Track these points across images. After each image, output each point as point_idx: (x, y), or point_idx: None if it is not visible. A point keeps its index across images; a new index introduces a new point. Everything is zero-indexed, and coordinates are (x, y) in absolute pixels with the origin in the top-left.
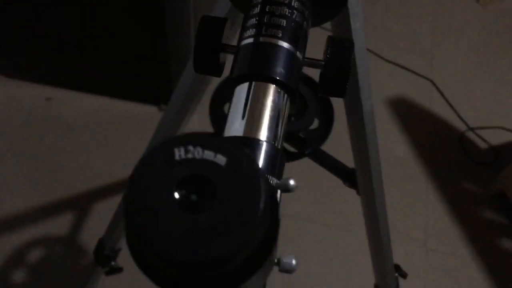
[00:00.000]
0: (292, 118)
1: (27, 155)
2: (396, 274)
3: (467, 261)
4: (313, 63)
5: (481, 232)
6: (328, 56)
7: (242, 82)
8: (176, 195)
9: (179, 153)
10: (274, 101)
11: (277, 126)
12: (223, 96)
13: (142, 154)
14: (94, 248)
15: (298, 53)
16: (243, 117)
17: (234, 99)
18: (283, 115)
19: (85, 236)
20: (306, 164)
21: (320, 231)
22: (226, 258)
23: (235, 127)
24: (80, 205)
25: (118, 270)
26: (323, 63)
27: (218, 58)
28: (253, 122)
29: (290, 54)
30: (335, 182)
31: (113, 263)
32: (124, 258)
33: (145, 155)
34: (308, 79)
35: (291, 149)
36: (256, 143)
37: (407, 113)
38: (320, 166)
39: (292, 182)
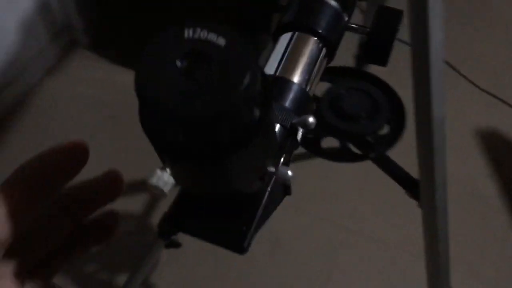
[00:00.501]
0: (362, 121)
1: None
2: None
3: None
4: (358, 29)
5: None
6: (375, 22)
7: (286, 31)
8: (179, 63)
9: (188, 32)
10: (311, 51)
11: (309, 73)
12: None
13: None
14: (159, 220)
15: (344, 14)
16: (280, 61)
17: (277, 45)
18: (318, 66)
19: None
20: (363, 171)
21: (375, 248)
22: (211, 115)
23: (272, 69)
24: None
25: (177, 245)
26: (368, 29)
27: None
28: (288, 65)
29: (336, 12)
30: (398, 194)
31: (173, 237)
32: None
33: (161, 32)
34: (383, 84)
35: (356, 150)
36: (287, 82)
37: (499, 148)
38: (383, 172)
39: (311, 119)
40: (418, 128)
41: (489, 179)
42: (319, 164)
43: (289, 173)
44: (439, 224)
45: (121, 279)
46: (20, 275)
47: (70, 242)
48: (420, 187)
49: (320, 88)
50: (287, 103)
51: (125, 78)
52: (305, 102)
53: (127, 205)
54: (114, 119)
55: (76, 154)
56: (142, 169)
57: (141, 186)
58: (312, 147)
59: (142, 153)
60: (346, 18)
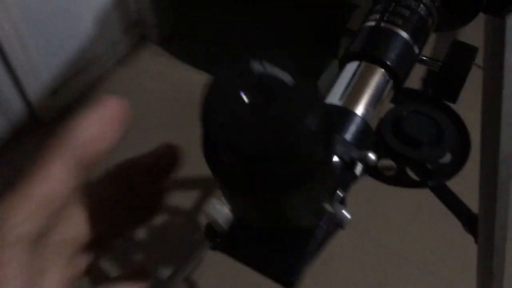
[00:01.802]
0: (424, 147)
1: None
2: None
3: None
4: (430, 62)
5: None
6: (448, 57)
7: (353, 59)
8: (246, 97)
9: (255, 65)
10: (378, 83)
11: (374, 107)
12: None
13: None
14: (207, 222)
15: (415, 47)
16: (345, 90)
17: (343, 73)
18: (382, 98)
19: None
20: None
21: (424, 278)
22: (277, 151)
23: (336, 97)
24: (203, 181)
25: None
26: (440, 63)
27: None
28: (352, 96)
29: (406, 44)
30: (455, 226)
31: (219, 239)
32: None
33: (226, 63)
34: (449, 111)
35: (414, 176)
36: (349, 114)
37: None
38: (441, 202)
39: (372, 155)
40: (483, 161)
41: None
42: (374, 186)
43: (348, 216)
44: (494, 263)
45: (164, 272)
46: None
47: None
48: (479, 223)
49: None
50: (348, 136)
51: (191, 75)
52: (367, 136)
53: (180, 199)
54: (176, 115)
55: (169, 159)
56: (199, 166)
57: (195, 182)
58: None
59: (200, 151)
60: (417, 51)
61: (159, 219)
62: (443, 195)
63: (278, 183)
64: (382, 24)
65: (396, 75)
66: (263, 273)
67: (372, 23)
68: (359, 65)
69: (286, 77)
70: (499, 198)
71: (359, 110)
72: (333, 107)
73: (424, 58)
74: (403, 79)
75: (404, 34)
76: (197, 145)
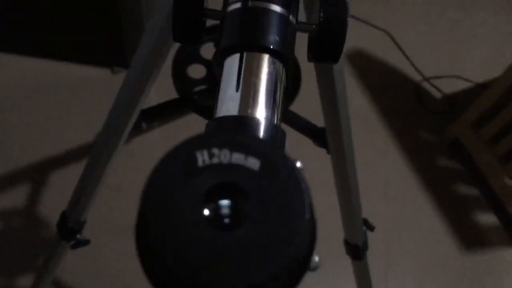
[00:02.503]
0: None
1: None
2: (364, 228)
3: (427, 209)
4: (305, 28)
5: (438, 180)
6: (321, 18)
7: (232, 53)
8: (205, 211)
9: (202, 158)
10: (270, 74)
11: (274, 102)
12: (186, 58)
13: (103, 122)
14: (57, 221)
15: (291, 17)
16: (236, 93)
17: (225, 72)
18: (280, 88)
19: (45, 208)
20: None
21: None
22: (271, 280)
23: (229, 105)
24: (36, 176)
25: (85, 242)
26: (314, 26)
27: (200, 26)
28: (249, 99)
29: (283, 19)
30: (303, 140)
31: (78, 236)
32: (91, 229)
33: (160, 162)
34: None
35: None
36: (254, 122)
37: (364, 66)
38: (289, 126)
39: (298, 163)
40: (321, 80)
41: (360, 96)
42: None
43: (316, 259)
44: (348, 166)
45: (21, 282)
46: None
47: None
48: (328, 135)
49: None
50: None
51: None
52: (281, 139)
53: (8, 200)
54: None
55: None
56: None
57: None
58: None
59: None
60: (294, 21)
61: None
62: (289, 120)
63: None
64: (250, 3)
65: (284, 57)
66: None
67: (238, 4)
68: (241, 59)
69: (252, 162)
70: (340, 106)
71: (261, 113)
72: (231, 119)
73: (302, 23)
74: (291, 57)
75: (278, 9)
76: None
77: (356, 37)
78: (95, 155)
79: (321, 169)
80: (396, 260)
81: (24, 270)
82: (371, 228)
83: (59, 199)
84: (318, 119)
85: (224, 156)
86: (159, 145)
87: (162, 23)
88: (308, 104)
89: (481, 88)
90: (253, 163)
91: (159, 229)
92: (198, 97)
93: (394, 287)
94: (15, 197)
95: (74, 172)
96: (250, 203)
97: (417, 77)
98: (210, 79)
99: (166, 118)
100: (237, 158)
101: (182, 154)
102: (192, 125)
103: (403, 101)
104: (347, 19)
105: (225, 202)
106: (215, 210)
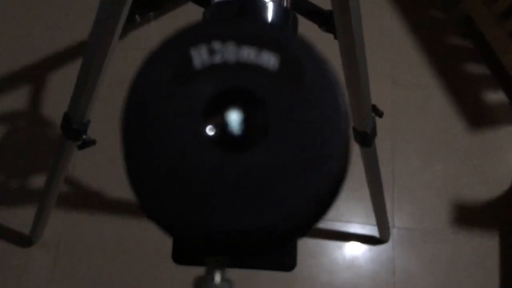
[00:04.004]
0: None
1: None
2: (373, 114)
3: (434, 90)
4: None
5: (447, 59)
6: None
7: None
8: (207, 129)
9: (200, 56)
10: None
11: None
12: None
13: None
14: (60, 123)
15: None
16: None
17: None
18: None
19: (47, 108)
20: None
21: None
22: (295, 223)
23: None
24: (34, 76)
25: (91, 142)
26: None
27: None
28: None
29: None
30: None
31: (84, 136)
32: (96, 129)
33: (144, 65)
34: None
35: None
36: (261, 5)
37: None
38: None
39: None
40: None
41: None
42: None
43: None
44: (357, 52)
45: (35, 181)
46: None
47: None
48: (335, 19)
49: None
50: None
51: None
52: (293, 22)
53: (9, 103)
54: None
55: None
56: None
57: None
58: None
59: None
60: None
61: None
62: (293, 4)
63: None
64: None
65: None
66: (264, 268)
67: None
68: None
69: (270, 61)
70: None
71: None
72: (234, 2)
73: None
74: None
75: None
76: None
77: None
78: (90, 52)
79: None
80: (402, 142)
81: (36, 171)
82: (380, 114)
83: (60, 99)
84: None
85: (229, 52)
86: (156, 38)
87: None
88: None
89: None
90: (269, 59)
91: (149, 157)
92: None
93: (400, 168)
94: (15, 100)
95: (71, 71)
96: (267, 116)
97: None
98: None
99: (161, 8)
100: (248, 53)
101: (173, 52)
102: (190, 15)
103: None
104: None
105: (233, 115)
106: (221, 126)
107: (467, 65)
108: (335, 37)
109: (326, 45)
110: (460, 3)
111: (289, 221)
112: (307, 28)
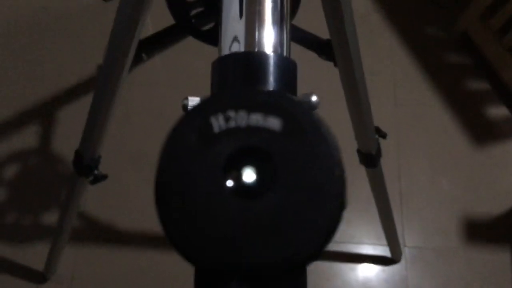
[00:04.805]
0: None
1: None
2: (377, 136)
3: (437, 108)
4: None
5: (447, 77)
6: None
7: None
8: (227, 181)
9: (217, 123)
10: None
11: (282, 30)
12: None
13: (101, 61)
14: (72, 160)
15: None
16: (240, 24)
17: (225, 1)
18: (287, 15)
19: (58, 145)
20: None
21: None
22: (308, 253)
23: (233, 39)
24: (43, 114)
25: (103, 177)
26: None
27: None
28: (254, 30)
29: None
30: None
31: (96, 171)
32: (107, 164)
33: (174, 131)
34: None
35: None
36: (263, 59)
37: None
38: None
39: (314, 97)
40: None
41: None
42: None
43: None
44: (357, 77)
45: (47, 217)
46: None
47: None
48: (334, 48)
49: None
50: (276, 85)
51: None
52: (293, 72)
53: (20, 141)
54: None
55: None
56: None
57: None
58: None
59: None
60: None
61: (11, 171)
62: (293, 34)
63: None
64: None
65: None
66: None
67: None
68: None
69: (274, 123)
70: (345, 16)
71: (269, 46)
72: (239, 57)
73: None
74: None
75: None
76: None
77: None
78: (100, 90)
79: (330, 81)
80: (408, 161)
81: (48, 207)
82: (384, 135)
83: (70, 135)
84: (320, 29)
85: (241, 118)
86: (160, 71)
87: None
88: (309, 13)
89: None
90: (274, 122)
91: (180, 206)
92: (196, 21)
93: (407, 187)
94: (26, 137)
95: (80, 108)
96: (275, 167)
97: None
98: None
99: (166, 45)
100: (256, 119)
101: (197, 120)
102: (190, 46)
103: None
104: None
105: (248, 169)
106: (238, 178)
107: (467, 82)
108: (335, 65)
109: (326, 72)
110: (457, 20)
111: (301, 253)
112: (309, 56)
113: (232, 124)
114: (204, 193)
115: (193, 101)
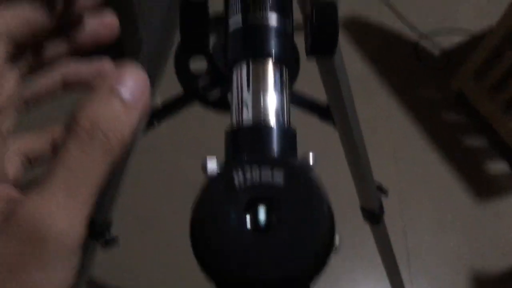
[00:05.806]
0: None
1: None
2: (378, 193)
3: (437, 165)
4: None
5: (445, 135)
6: (313, 16)
7: (240, 60)
8: (247, 220)
9: (238, 178)
10: (275, 78)
11: (283, 100)
12: (188, 50)
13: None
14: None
15: (287, 24)
16: (248, 102)
17: (234, 81)
18: (286, 90)
19: None
20: None
21: None
22: (301, 273)
23: (243, 113)
24: None
25: (114, 240)
26: (308, 23)
27: (205, 38)
28: (260, 107)
29: (280, 29)
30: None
31: (107, 236)
32: (117, 227)
33: (207, 185)
34: None
35: None
36: (267, 131)
37: (359, 30)
38: (293, 106)
39: (311, 157)
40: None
41: (359, 61)
42: None
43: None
44: (356, 138)
45: None
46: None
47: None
48: (332, 111)
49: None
50: (281, 153)
51: None
52: (294, 139)
53: None
54: None
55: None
56: None
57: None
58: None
59: None
60: (291, 29)
61: None
62: (294, 99)
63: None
64: (250, 22)
65: (287, 60)
66: None
67: (239, 24)
68: (248, 67)
69: (278, 178)
70: (341, 82)
71: (272, 120)
72: (248, 131)
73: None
74: (293, 59)
75: (273, 22)
76: None
77: (347, 2)
78: None
79: (332, 142)
80: (412, 218)
81: None
82: (385, 192)
83: None
84: (318, 91)
85: (255, 176)
86: (165, 137)
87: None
88: (307, 77)
89: (478, 39)
90: (279, 179)
91: (213, 238)
92: (204, 91)
93: (413, 244)
94: None
95: None
96: (280, 211)
97: (413, 36)
98: (213, 71)
99: (175, 112)
100: (266, 176)
101: (223, 177)
102: (194, 113)
103: (402, 61)
104: (337, 20)
105: (261, 211)
106: (254, 217)
107: (465, 138)
108: (335, 127)
109: (327, 131)
110: (451, 80)
111: (305, 270)
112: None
113: (248, 177)
114: (230, 231)
115: (211, 160)
